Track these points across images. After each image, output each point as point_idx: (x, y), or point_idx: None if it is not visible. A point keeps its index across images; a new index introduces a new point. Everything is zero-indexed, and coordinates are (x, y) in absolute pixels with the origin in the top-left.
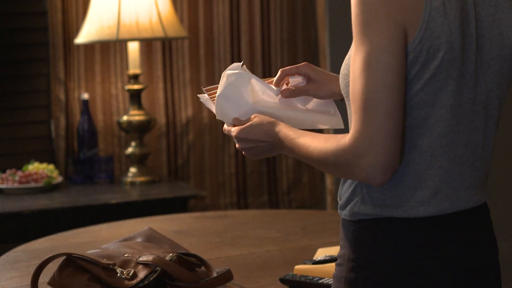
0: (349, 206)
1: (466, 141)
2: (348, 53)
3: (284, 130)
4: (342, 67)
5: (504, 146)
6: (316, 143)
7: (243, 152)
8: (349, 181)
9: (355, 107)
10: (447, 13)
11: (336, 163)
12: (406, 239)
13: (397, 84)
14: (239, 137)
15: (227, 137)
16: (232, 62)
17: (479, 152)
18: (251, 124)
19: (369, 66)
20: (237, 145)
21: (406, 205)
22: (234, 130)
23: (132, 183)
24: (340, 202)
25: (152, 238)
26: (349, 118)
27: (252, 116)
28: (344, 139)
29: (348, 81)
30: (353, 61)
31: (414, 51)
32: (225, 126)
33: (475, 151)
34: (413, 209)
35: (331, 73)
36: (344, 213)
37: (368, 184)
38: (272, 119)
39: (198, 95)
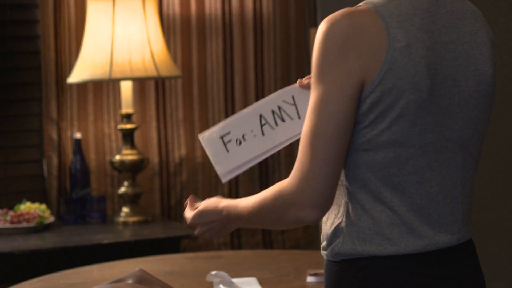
0: (331, 247)
1: (441, 178)
2: None
3: (226, 205)
4: None
5: (498, 185)
6: (255, 200)
7: (204, 236)
8: (330, 222)
9: (300, 146)
10: (412, 53)
11: (274, 206)
12: (388, 277)
13: (339, 133)
14: (194, 223)
15: None
16: (226, 101)
17: (459, 189)
18: (199, 210)
19: (316, 111)
20: (195, 232)
21: (387, 242)
22: (189, 218)
23: (125, 223)
24: (322, 244)
25: (143, 280)
26: None
27: (200, 203)
28: (281, 184)
29: None
30: (309, 101)
31: (375, 91)
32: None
33: (453, 188)
34: (394, 245)
35: None
36: (326, 254)
37: (348, 224)
38: (216, 198)
39: (199, 135)
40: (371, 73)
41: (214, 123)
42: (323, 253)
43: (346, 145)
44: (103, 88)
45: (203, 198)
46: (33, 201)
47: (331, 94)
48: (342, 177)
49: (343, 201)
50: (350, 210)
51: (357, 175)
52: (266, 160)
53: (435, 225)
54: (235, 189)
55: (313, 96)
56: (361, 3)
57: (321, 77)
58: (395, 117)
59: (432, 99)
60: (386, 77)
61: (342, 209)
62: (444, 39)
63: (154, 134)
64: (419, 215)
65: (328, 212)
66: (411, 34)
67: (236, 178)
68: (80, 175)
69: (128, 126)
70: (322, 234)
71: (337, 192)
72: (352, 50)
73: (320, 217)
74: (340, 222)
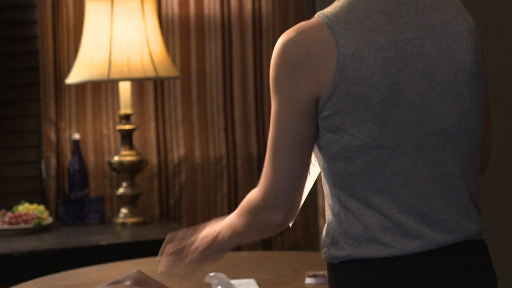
0: (328, 252)
1: (428, 175)
2: None
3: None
4: None
5: (499, 184)
6: (233, 215)
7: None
8: (326, 231)
9: (266, 156)
10: (363, 57)
11: (247, 212)
12: (385, 279)
13: (297, 143)
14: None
15: (219, 177)
16: (225, 102)
17: (452, 182)
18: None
19: (273, 124)
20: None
21: (382, 245)
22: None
23: (123, 224)
24: (323, 250)
25: (140, 281)
26: None
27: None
28: (254, 190)
29: None
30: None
31: (332, 99)
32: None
33: (445, 183)
34: (390, 248)
35: None
36: (325, 257)
37: (341, 232)
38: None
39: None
40: (323, 84)
41: (213, 123)
42: (323, 255)
43: (306, 154)
44: (102, 89)
45: (202, 199)
46: (31, 202)
47: (284, 108)
48: (332, 186)
49: (336, 210)
50: (343, 218)
51: (343, 184)
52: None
53: (433, 221)
54: (234, 190)
55: (272, 109)
56: (316, 14)
57: (275, 92)
58: (361, 121)
59: (399, 97)
60: (340, 84)
61: (336, 218)
62: (409, 36)
63: (152, 135)
64: (413, 214)
65: (326, 220)
66: (361, 38)
67: (235, 179)
68: (79, 176)
69: (127, 126)
70: (322, 238)
71: (331, 202)
72: (301, 65)
73: (287, 221)
74: (335, 231)
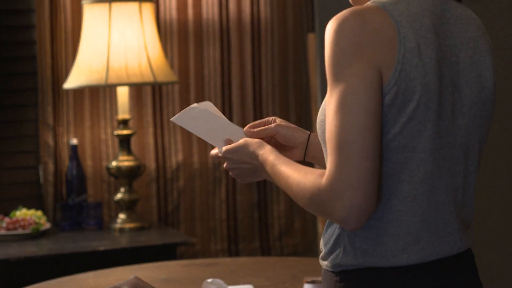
0: (331, 257)
1: (447, 186)
2: (325, 99)
3: (267, 154)
4: (319, 112)
5: (496, 191)
6: (295, 175)
7: (230, 173)
8: (330, 231)
9: (330, 147)
10: (422, 54)
11: (312, 201)
12: None
13: (372, 125)
14: (225, 157)
15: (217, 182)
16: (224, 107)
17: (460, 197)
18: (237, 145)
19: (343, 107)
20: (224, 165)
21: (389, 253)
22: (222, 150)
23: (121, 230)
24: (322, 253)
25: (138, 287)
26: (325, 160)
27: (241, 139)
28: (321, 179)
29: (325, 127)
30: (328, 103)
31: (390, 93)
32: (213, 151)
33: (456, 196)
34: (396, 257)
35: (303, 134)
36: (325, 264)
37: (350, 234)
38: (260, 141)
39: (171, 119)
40: (387, 71)
41: None
42: (322, 262)
43: (380, 140)
44: (100, 94)
45: (200, 204)
46: (29, 207)
47: (357, 87)
48: None
49: None
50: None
51: None
52: None
53: (442, 234)
54: (232, 195)
55: (334, 96)
56: (368, 2)
57: (339, 74)
58: (407, 120)
59: (440, 102)
60: (401, 77)
61: None
62: (449, 43)
63: (151, 140)
64: (428, 225)
65: (327, 223)
66: (420, 34)
67: (233, 184)
68: (77, 181)
69: (125, 132)
70: (321, 242)
71: None
72: (368, 46)
73: (362, 224)
74: (342, 231)
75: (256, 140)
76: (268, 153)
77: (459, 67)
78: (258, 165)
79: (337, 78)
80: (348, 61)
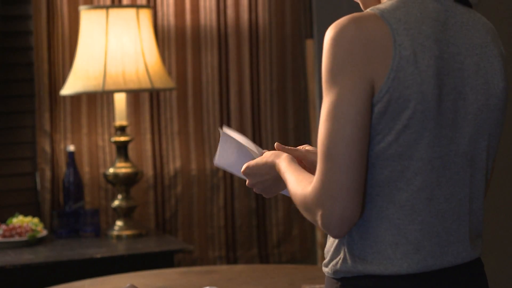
0: (331, 264)
1: (449, 195)
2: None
3: (281, 163)
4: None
5: (500, 198)
6: (294, 183)
7: (254, 189)
8: (332, 238)
9: (318, 155)
10: (418, 62)
11: (301, 207)
12: None
13: (357, 137)
14: (246, 173)
15: (215, 189)
16: (221, 113)
17: (466, 206)
18: (256, 159)
19: (330, 117)
20: (246, 183)
21: (388, 262)
22: (243, 167)
23: (119, 237)
24: (325, 260)
25: None
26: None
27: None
28: (308, 186)
29: None
30: (321, 110)
31: (382, 100)
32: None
33: (460, 205)
34: (396, 266)
35: None
36: (327, 271)
37: (349, 242)
38: (277, 151)
39: (219, 129)
40: (379, 80)
41: (209, 135)
42: (324, 269)
43: (366, 152)
44: (97, 100)
45: (198, 211)
46: (25, 214)
47: (345, 97)
48: None
49: None
50: (354, 226)
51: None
52: None
53: (444, 243)
54: (230, 202)
55: (325, 103)
56: (368, 9)
57: (332, 82)
58: (402, 128)
59: (439, 110)
60: (394, 85)
61: None
62: (453, 50)
63: (148, 146)
64: (429, 234)
65: None
66: (418, 42)
67: (232, 191)
68: (74, 188)
69: (122, 138)
70: (325, 249)
71: None
72: (361, 54)
73: (345, 233)
74: (342, 239)
75: (272, 151)
76: (282, 162)
77: (464, 74)
78: (277, 175)
79: (329, 86)
80: (340, 70)
